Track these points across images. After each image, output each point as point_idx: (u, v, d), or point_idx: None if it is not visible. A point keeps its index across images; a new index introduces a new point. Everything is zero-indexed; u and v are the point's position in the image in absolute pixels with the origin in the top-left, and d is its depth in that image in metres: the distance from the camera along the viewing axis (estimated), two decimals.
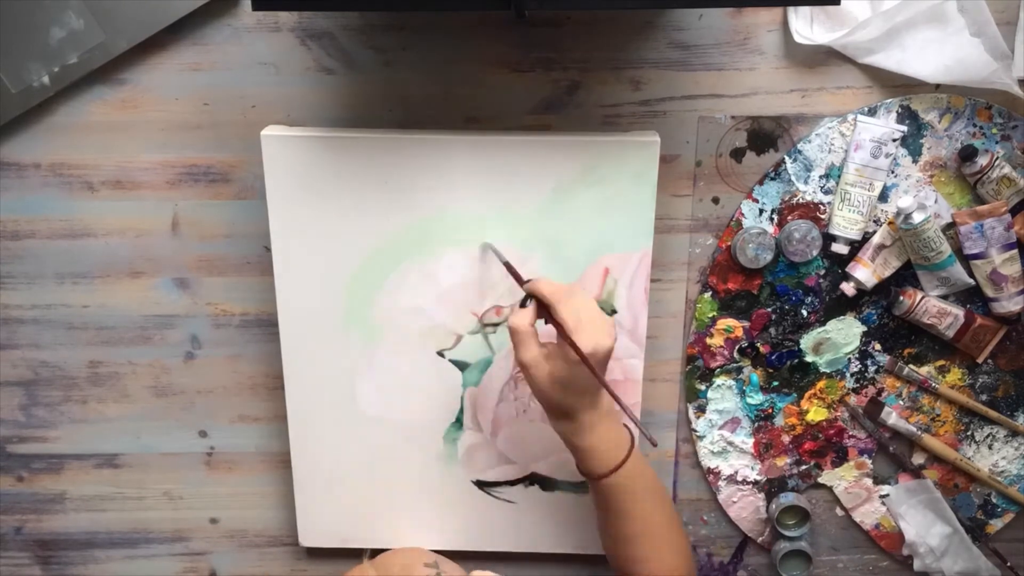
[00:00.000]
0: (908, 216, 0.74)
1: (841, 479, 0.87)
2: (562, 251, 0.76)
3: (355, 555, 0.92)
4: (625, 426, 0.73)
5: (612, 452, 0.69)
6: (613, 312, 0.78)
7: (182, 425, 0.88)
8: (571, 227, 0.75)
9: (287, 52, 0.75)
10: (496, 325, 0.79)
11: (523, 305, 0.69)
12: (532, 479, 0.85)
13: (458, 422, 0.83)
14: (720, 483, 0.88)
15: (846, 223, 0.77)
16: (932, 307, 0.79)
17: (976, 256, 0.77)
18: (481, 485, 0.85)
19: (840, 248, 0.78)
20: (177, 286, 0.83)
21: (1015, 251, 0.76)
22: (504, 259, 0.72)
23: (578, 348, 0.63)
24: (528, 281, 0.69)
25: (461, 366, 0.81)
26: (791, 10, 0.73)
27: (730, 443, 0.86)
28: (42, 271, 0.82)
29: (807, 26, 0.73)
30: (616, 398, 0.65)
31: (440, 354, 0.80)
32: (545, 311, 0.68)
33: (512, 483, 0.85)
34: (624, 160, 0.73)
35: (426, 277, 0.77)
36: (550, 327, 0.68)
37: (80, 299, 0.83)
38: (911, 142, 0.76)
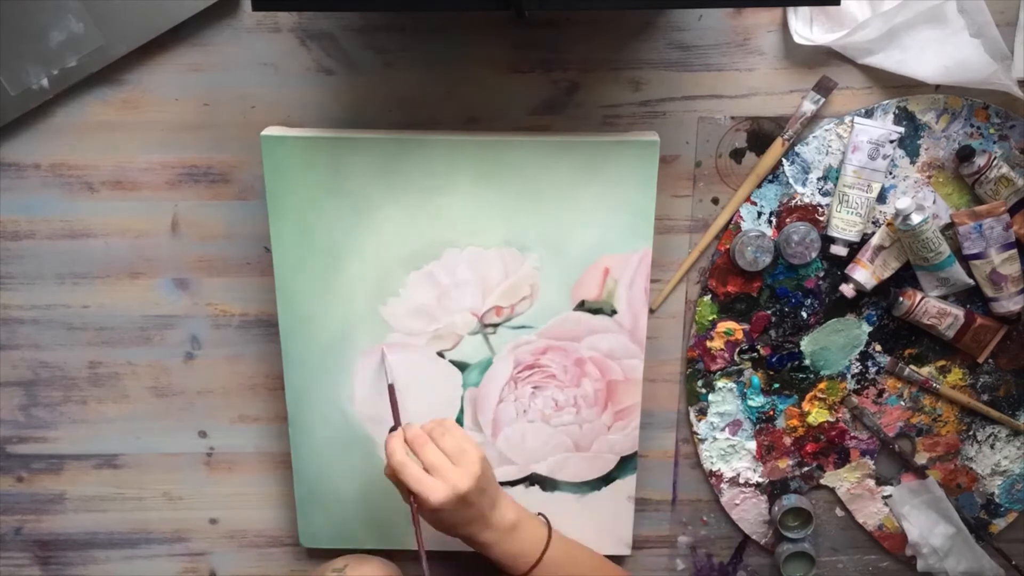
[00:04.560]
0: (906, 217, 0.74)
1: (844, 480, 0.87)
2: (562, 251, 0.76)
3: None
4: (540, 514, 0.79)
5: (521, 558, 0.75)
6: (614, 312, 0.78)
7: (182, 425, 0.88)
8: (571, 227, 0.75)
9: (287, 53, 0.75)
10: (496, 326, 0.79)
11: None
12: (532, 480, 0.85)
13: (458, 423, 0.83)
14: (723, 486, 0.88)
15: (844, 225, 0.77)
16: (932, 308, 0.78)
17: (975, 256, 0.77)
18: None
19: (839, 250, 0.78)
20: (177, 287, 0.83)
21: (1014, 251, 0.76)
22: (390, 382, 0.79)
23: (413, 509, 0.70)
24: (394, 428, 0.75)
25: (461, 367, 0.81)
26: (791, 11, 0.73)
27: (732, 446, 0.86)
28: (42, 271, 0.82)
29: (807, 27, 0.73)
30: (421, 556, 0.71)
31: (440, 355, 0.80)
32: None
33: (512, 484, 0.85)
34: (624, 160, 0.73)
35: (426, 278, 0.77)
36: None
37: (80, 299, 0.83)
38: (909, 143, 0.76)
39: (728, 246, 0.79)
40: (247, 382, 0.86)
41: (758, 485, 0.88)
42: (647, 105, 0.77)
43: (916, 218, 0.73)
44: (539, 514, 0.79)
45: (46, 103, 0.76)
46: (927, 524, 0.87)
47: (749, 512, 0.89)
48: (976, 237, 0.76)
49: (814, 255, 0.78)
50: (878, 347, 0.83)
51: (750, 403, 0.85)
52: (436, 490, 0.68)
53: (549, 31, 0.74)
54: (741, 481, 0.88)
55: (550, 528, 0.78)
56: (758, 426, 0.86)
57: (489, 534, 0.73)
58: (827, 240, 0.78)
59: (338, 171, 0.74)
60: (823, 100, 0.75)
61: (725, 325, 0.82)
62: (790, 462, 0.87)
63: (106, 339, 0.85)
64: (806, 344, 0.83)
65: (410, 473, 0.69)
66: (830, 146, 0.77)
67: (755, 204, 0.79)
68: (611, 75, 0.76)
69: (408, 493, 0.70)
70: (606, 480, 0.84)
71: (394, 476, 0.71)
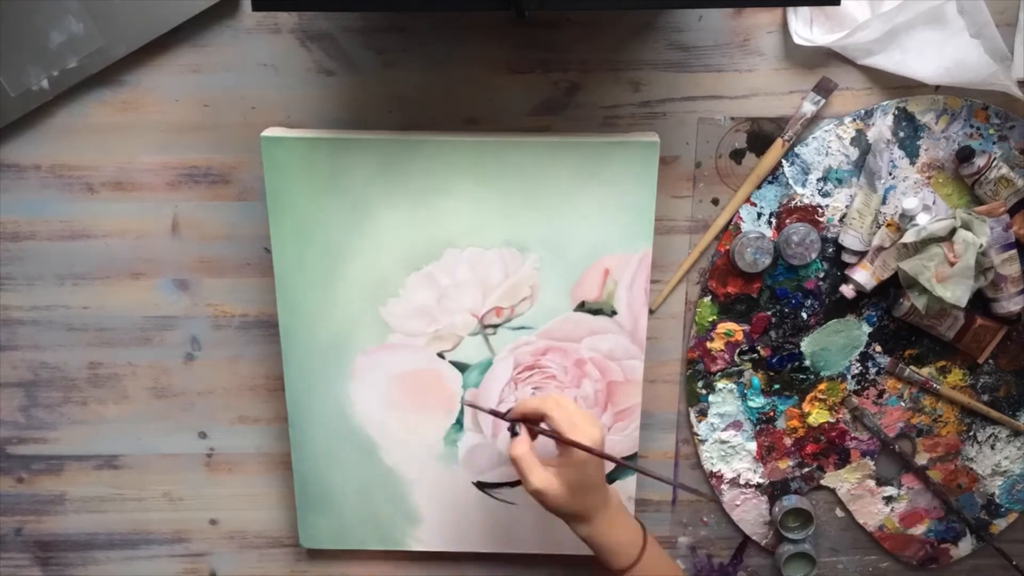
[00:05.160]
0: (913, 218, 0.74)
1: (844, 481, 0.87)
2: (562, 252, 0.76)
3: (356, 556, 0.92)
4: (636, 519, 0.76)
5: (630, 547, 0.73)
6: (614, 313, 0.78)
7: (182, 426, 0.88)
8: (571, 228, 0.75)
9: (287, 53, 0.75)
10: (496, 326, 0.79)
11: (514, 433, 0.71)
12: None
13: (458, 423, 0.83)
14: (723, 487, 0.88)
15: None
16: None
17: None
18: (482, 486, 0.85)
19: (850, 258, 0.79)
20: (177, 287, 0.83)
21: (1014, 251, 0.76)
22: (486, 409, 0.76)
23: (581, 445, 0.67)
24: (509, 411, 0.72)
25: (461, 367, 0.81)
26: (791, 11, 0.73)
27: (732, 447, 0.86)
28: (42, 272, 0.82)
29: (806, 27, 0.73)
30: (639, 469, 0.71)
31: (440, 355, 0.80)
32: (533, 427, 0.71)
33: (513, 484, 0.85)
34: (624, 161, 0.73)
35: (426, 278, 0.77)
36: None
37: (80, 300, 0.83)
38: (908, 144, 0.76)
39: (728, 247, 0.79)
40: (247, 383, 0.86)
41: (758, 486, 0.88)
42: (647, 106, 0.77)
43: (923, 218, 0.73)
44: None
45: (46, 104, 0.76)
46: None
47: (749, 513, 0.89)
48: None
49: (814, 256, 0.78)
50: (878, 348, 0.83)
51: (750, 404, 0.85)
52: (597, 424, 0.69)
53: (549, 31, 0.74)
54: (741, 482, 0.88)
55: (643, 525, 0.76)
56: (758, 427, 0.86)
57: (608, 512, 0.72)
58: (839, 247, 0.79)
59: (338, 172, 0.74)
60: (823, 101, 0.75)
61: (725, 326, 0.82)
62: (790, 463, 0.87)
63: (106, 340, 0.85)
64: (806, 345, 0.83)
65: (563, 415, 0.68)
66: (830, 147, 0.76)
67: (755, 205, 0.79)
68: (611, 76, 0.76)
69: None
70: (607, 481, 0.84)
71: (526, 454, 0.69)
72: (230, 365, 0.86)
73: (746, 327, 0.82)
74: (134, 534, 0.93)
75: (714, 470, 0.87)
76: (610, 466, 0.83)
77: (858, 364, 0.83)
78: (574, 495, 0.69)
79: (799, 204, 0.78)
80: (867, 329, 0.82)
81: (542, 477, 0.69)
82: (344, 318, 0.79)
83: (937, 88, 0.75)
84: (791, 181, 0.78)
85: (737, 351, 0.83)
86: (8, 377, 0.86)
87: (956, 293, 0.72)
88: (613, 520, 0.72)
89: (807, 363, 0.83)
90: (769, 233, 0.79)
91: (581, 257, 0.76)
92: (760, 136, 0.77)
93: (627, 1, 0.68)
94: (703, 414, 0.85)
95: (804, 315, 0.81)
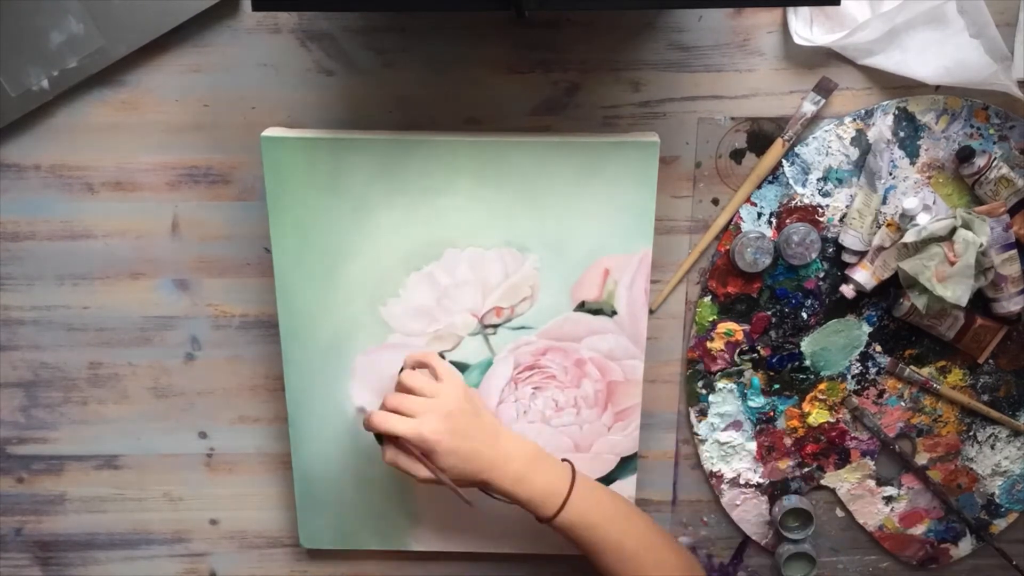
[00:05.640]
0: (914, 218, 0.74)
1: (844, 481, 0.87)
2: (562, 252, 0.76)
3: (356, 556, 0.92)
4: (565, 460, 0.76)
5: (551, 496, 0.72)
6: (614, 313, 0.78)
7: (182, 426, 0.88)
8: (571, 228, 0.75)
9: (287, 53, 0.75)
10: (496, 326, 0.79)
11: (380, 442, 0.73)
12: None
13: None
14: (723, 486, 0.88)
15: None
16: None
17: None
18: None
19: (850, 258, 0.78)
20: (177, 287, 0.83)
21: (1014, 251, 0.76)
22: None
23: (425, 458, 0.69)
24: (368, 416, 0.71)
25: (461, 367, 0.81)
26: (791, 11, 0.73)
27: (732, 447, 0.86)
28: (42, 272, 0.82)
29: (806, 27, 0.73)
30: (441, 478, 0.70)
31: (440, 355, 0.80)
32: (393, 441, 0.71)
33: None
34: (624, 161, 0.73)
35: (426, 278, 0.77)
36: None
37: (80, 300, 0.83)
38: (908, 144, 0.76)
39: (728, 247, 0.79)
40: (247, 383, 0.87)
41: (758, 486, 0.88)
42: (647, 106, 0.77)
43: (924, 218, 0.73)
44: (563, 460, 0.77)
45: (46, 104, 0.76)
46: None
47: (749, 513, 0.89)
48: None
49: (814, 256, 0.78)
50: (878, 348, 0.83)
51: (750, 404, 0.85)
52: (423, 418, 0.69)
53: (549, 31, 0.74)
54: (741, 482, 0.88)
55: (573, 466, 0.75)
56: (758, 427, 0.86)
57: (512, 465, 0.72)
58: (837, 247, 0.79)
59: (338, 172, 0.74)
60: (823, 101, 0.75)
61: (725, 326, 0.82)
62: (790, 463, 0.87)
63: (106, 340, 0.85)
64: (806, 345, 0.83)
65: (392, 421, 0.69)
66: (830, 147, 0.76)
67: (755, 205, 0.79)
68: (611, 76, 0.76)
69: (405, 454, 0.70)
70: (606, 481, 0.84)
71: (397, 461, 0.70)
72: (230, 365, 0.86)
73: (746, 327, 0.82)
74: (134, 534, 0.93)
75: (714, 470, 0.87)
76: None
77: (858, 364, 0.83)
78: (468, 471, 0.70)
79: (799, 204, 0.78)
80: (867, 329, 0.82)
81: (425, 472, 0.70)
82: (344, 318, 0.79)
83: (937, 88, 0.75)
84: (791, 181, 0.78)
85: (737, 351, 0.83)
86: (8, 377, 0.86)
87: (956, 293, 0.72)
88: (525, 472, 0.72)
89: (807, 363, 0.83)
90: (769, 233, 0.79)
91: (581, 257, 0.76)
92: (760, 136, 0.77)
93: (627, 1, 0.68)
94: (703, 414, 0.85)
95: (804, 315, 0.81)
